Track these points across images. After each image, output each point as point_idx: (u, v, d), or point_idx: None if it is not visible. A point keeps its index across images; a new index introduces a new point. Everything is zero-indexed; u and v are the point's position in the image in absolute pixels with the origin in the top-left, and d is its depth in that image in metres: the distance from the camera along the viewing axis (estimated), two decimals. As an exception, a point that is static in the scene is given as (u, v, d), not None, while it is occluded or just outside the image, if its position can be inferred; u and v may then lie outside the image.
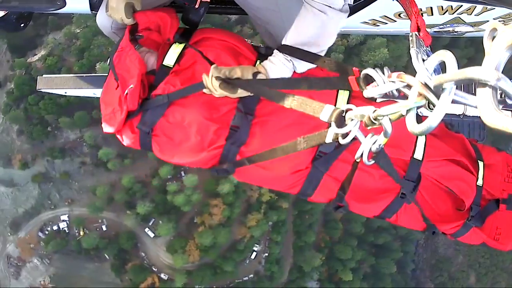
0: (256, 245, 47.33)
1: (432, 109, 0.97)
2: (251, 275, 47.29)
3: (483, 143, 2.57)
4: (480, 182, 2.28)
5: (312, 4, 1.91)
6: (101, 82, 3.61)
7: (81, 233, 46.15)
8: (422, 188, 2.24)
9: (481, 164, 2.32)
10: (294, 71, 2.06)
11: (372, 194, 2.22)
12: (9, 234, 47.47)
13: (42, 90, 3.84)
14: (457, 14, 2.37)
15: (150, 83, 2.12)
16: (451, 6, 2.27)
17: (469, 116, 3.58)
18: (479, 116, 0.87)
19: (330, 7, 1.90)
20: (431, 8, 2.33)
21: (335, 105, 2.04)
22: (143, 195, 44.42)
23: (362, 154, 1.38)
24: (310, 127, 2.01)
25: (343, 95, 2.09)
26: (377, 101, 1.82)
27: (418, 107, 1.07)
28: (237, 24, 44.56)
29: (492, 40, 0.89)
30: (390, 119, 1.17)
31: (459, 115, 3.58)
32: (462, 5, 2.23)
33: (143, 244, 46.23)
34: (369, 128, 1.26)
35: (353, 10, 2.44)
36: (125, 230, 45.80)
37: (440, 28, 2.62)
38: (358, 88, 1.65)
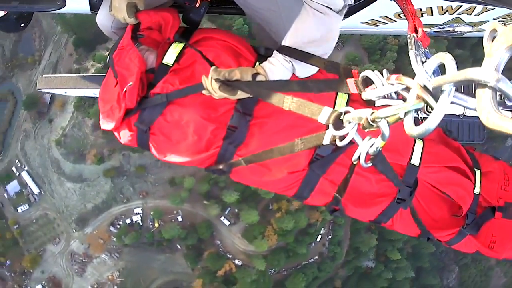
0: (321, 228, 49.04)
1: (431, 112, 0.97)
2: (316, 257, 48.89)
3: (483, 144, 2.57)
4: (477, 190, 2.28)
5: (312, 5, 1.90)
6: (101, 81, 3.61)
7: (156, 224, 46.15)
8: (418, 193, 2.23)
9: (478, 172, 2.32)
10: (294, 73, 2.06)
11: (368, 198, 2.22)
12: (74, 230, 47.29)
13: (42, 90, 3.84)
14: (457, 14, 2.37)
15: (149, 82, 2.12)
16: (451, 6, 2.27)
17: (469, 116, 3.58)
18: (479, 117, 0.87)
19: (330, 8, 1.89)
20: (431, 8, 2.33)
21: (334, 108, 2.04)
22: (225, 186, 44.68)
23: (359, 156, 1.38)
24: (308, 129, 2.01)
25: (342, 97, 2.09)
26: (376, 104, 1.82)
27: (416, 110, 1.06)
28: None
29: (492, 41, 0.89)
30: (388, 121, 1.16)
31: (459, 115, 3.57)
32: (462, 5, 2.23)
33: (219, 233, 46.86)
34: (366, 130, 1.25)
35: (353, 10, 2.43)
36: (201, 220, 46.13)
37: (440, 28, 2.62)
38: (357, 91, 1.65)
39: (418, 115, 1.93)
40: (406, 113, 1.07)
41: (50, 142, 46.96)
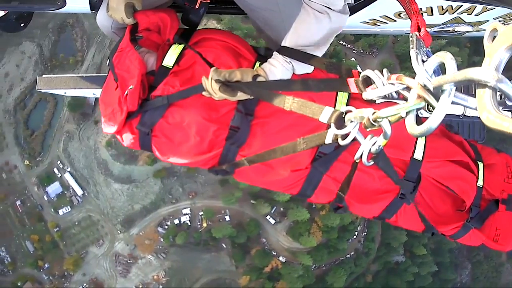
0: (358, 225, 50.55)
1: (432, 111, 0.97)
2: (352, 253, 50.12)
3: (483, 144, 2.57)
4: (480, 183, 2.28)
5: (311, 5, 1.90)
6: (101, 82, 3.60)
7: (204, 224, 46.72)
8: (422, 188, 2.23)
9: (480, 165, 2.31)
10: (294, 73, 2.06)
11: (371, 194, 2.22)
12: (119, 232, 47.05)
13: (42, 91, 3.84)
14: (457, 14, 2.36)
15: (150, 84, 2.12)
16: (451, 6, 2.27)
17: (469, 116, 3.58)
18: (479, 117, 0.87)
19: (330, 8, 1.89)
20: (431, 8, 2.32)
21: (334, 107, 2.04)
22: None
23: (361, 155, 1.38)
24: (310, 128, 2.01)
25: (343, 96, 2.09)
26: (376, 102, 1.82)
27: (417, 109, 1.06)
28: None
29: (492, 40, 0.89)
30: (389, 121, 1.16)
31: (459, 115, 3.57)
32: (462, 5, 2.23)
33: (264, 231, 47.53)
34: (368, 130, 1.26)
35: (353, 10, 2.43)
36: (248, 219, 46.60)
37: (440, 28, 2.62)
38: (358, 90, 1.65)
39: (419, 114, 1.93)
40: (407, 113, 1.07)
41: (97, 143, 46.69)
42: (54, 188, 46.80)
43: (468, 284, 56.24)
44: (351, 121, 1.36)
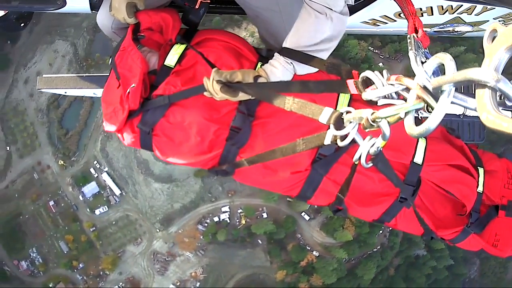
0: None
1: (431, 112, 0.97)
2: (378, 247, 51.46)
3: (483, 144, 2.57)
4: (480, 188, 2.28)
5: (312, 6, 1.90)
6: (101, 82, 3.61)
7: (243, 222, 47.65)
8: (422, 192, 2.23)
9: (481, 170, 2.31)
10: (295, 73, 2.06)
11: (371, 197, 2.22)
12: (158, 230, 47.29)
13: (42, 90, 3.84)
14: (457, 14, 2.36)
15: (151, 83, 2.13)
16: (451, 6, 2.27)
17: (469, 116, 3.57)
18: (479, 117, 0.87)
19: (331, 9, 1.89)
20: (431, 8, 2.32)
21: (336, 108, 2.04)
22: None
23: (360, 156, 1.38)
24: (310, 128, 2.01)
25: (344, 97, 2.09)
26: (378, 104, 1.82)
27: (416, 110, 1.06)
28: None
29: (492, 41, 0.89)
30: (388, 121, 1.16)
31: (459, 115, 3.57)
32: (462, 5, 2.23)
33: (299, 227, 48.61)
34: (367, 130, 1.26)
35: (353, 10, 2.43)
36: (284, 216, 47.45)
37: (440, 28, 2.62)
38: (357, 91, 1.65)
39: (418, 115, 1.93)
40: (406, 113, 1.07)
41: (138, 143, 47.24)
42: (90, 188, 46.79)
43: (476, 279, 57.65)
44: (350, 122, 1.36)
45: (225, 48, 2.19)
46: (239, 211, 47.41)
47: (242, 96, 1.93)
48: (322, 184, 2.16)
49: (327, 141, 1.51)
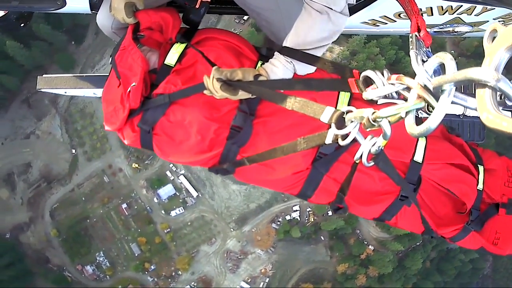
0: None
1: (431, 111, 0.97)
2: (421, 241, 53.45)
3: (483, 143, 2.57)
4: (480, 186, 2.28)
5: (312, 5, 1.90)
6: (101, 82, 3.60)
7: (311, 219, 49.91)
8: (422, 191, 2.23)
9: (481, 168, 2.32)
10: (295, 73, 2.06)
11: (372, 196, 2.22)
12: (232, 230, 48.40)
13: (42, 90, 3.84)
14: (457, 14, 2.36)
15: (152, 82, 2.13)
16: (451, 6, 2.27)
17: (469, 116, 3.57)
18: (479, 117, 0.87)
19: (331, 9, 1.90)
20: (431, 8, 2.32)
21: (336, 107, 2.04)
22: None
23: (361, 155, 1.38)
24: (311, 128, 2.01)
25: (344, 97, 2.09)
26: (378, 103, 1.82)
27: (417, 109, 1.07)
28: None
29: (492, 41, 0.89)
30: (389, 121, 1.17)
31: (459, 115, 3.57)
32: (462, 5, 2.23)
33: (358, 223, 51.08)
34: (368, 130, 1.26)
35: (353, 10, 2.43)
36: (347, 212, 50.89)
37: (440, 28, 2.62)
38: (358, 90, 1.65)
39: (418, 114, 1.93)
40: (407, 113, 1.08)
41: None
42: (166, 191, 47.33)
43: (489, 274, 59.83)
44: (351, 121, 1.36)
45: (225, 47, 2.19)
46: (308, 209, 49.55)
47: (242, 95, 1.93)
48: (323, 183, 2.16)
49: (328, 140, 1.51)
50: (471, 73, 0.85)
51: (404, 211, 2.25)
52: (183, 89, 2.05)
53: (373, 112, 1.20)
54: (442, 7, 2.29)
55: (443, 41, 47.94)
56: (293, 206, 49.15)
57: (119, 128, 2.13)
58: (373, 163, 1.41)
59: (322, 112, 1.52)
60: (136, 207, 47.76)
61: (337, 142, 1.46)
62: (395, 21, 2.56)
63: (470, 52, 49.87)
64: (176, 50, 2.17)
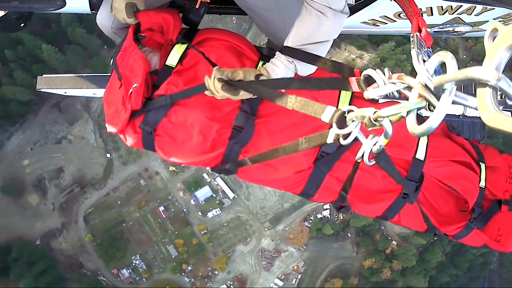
0: None
1: (433, 110, 0.97)
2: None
3: (484, 143, 2.57)
4: (482, 184, 2.28)
5: (312, 5, 1.91)
6: (101, 82, 3.60)
7: (340, 217, 51.36)
8: (425, 188, 2.23)
9: (483, 165, 2.31)
10: (296, 73, 2.06)
11: (374, 194, 2.22)
12: (266, 229, 49.16)
13: (42, 90, 3.84)
14: (457, 14, 2.36)
15: (153, 83, 2.13)
16: (451, 6, 2.27)
17: (469, 116, 3.58)
18: (479, 117, 0.87)
19: (331, 8, 1.90)
20: (431, 8, 2.33)
21: (337, 106, 2.04)
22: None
23: (363, 154, 1.38)
24: (313, 127, 2.01)
25: (346, 95, 2.09)
26: (379, 102, 1.82)
27: (418, 109, 1.07)
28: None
29: (493, 40, 0.89)
30: (390, 120, 1.17)
31: (459, 115, 3.57)
32: (462, 5, 2.23)
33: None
34: (369, 129, 1.26)
35: (353, 10, 2.43)
36: None
37: (440, 28, 2.62)
38: (359, 89, 1.65)
39: (423, 113, 1.93)
40: (408, 112, 1.08)
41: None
42: (204, 193, 47.93)
43: (496, 269, 61.68)
44: (353, 121, 1.36)
45: (226, 47, 2.19)
46: (338, 207, 51.73)
47: (243, 95, 1.92)
48: (325, 182, 2.16)
49: (330, 140, 1.51)
50: (472, 72, 0.85)
51: (407, 209, 2.25)
52: (184, 90, 2.05)
53: (375, 112, 1.20)
54: (442, 7, 2.29)
55: (456, 46, 48.66)
56: (324, 204, 49.88)
57: (121, 130, 2.13)
58: (374, 162, 1.41)
59: (323, 111, 1.52)
60: (173, 209, 48.16)
61: (339, 142, 1.46)
62: (395, 21, 2.57)
63: (481, 57, 49.97)
64: (177, 51, 2.17)
